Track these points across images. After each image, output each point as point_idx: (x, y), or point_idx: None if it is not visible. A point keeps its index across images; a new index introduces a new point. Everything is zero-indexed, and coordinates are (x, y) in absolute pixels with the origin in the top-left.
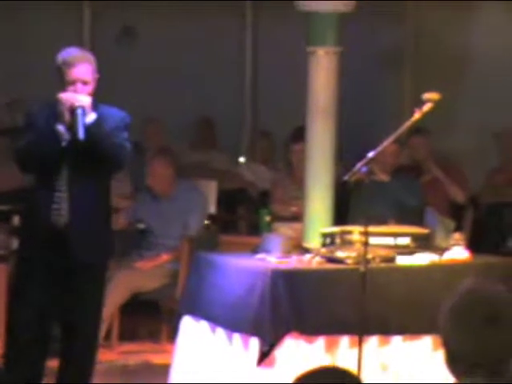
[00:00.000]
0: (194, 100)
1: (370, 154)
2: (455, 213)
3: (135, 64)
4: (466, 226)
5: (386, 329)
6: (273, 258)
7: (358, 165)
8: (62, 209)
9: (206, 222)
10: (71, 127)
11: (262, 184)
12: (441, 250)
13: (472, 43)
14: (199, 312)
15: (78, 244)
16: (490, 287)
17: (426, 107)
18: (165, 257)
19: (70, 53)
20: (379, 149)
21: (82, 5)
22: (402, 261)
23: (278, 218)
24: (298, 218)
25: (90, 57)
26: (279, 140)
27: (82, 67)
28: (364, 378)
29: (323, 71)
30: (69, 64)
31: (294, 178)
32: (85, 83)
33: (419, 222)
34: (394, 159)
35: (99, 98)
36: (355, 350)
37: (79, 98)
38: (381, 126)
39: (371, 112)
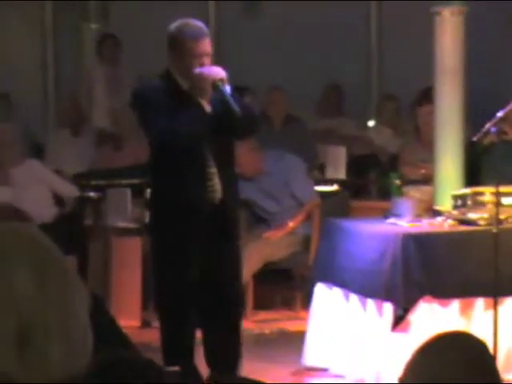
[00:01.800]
0: (322, 67)
1: (499, 114)
2: None
3: (261, 34)
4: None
5: None
6: (404, 222)
7: (488, 125)
8: (215, 184)
9: (337, 187)
10: (211, 101)
11: (391, 148)
12: None
13: None
14: (332, 278)
15: (232, 217)
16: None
17: None
18: (291, 224)
19: (194, 26)
20: (508, 108)
21: None
22: None
23: (408, 182)
24: (427, 180)
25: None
26: (405, 103)
27: (207, 40)
28: (501, 341)
29: (449, 32)
30: (195, 38)
31: (422, 140)
32: (208, 56)
33: None
34: None
35: (228, 67)
36: (490, 313)
37: (218, 71)
38: (509, 85)
39: (499, 71)
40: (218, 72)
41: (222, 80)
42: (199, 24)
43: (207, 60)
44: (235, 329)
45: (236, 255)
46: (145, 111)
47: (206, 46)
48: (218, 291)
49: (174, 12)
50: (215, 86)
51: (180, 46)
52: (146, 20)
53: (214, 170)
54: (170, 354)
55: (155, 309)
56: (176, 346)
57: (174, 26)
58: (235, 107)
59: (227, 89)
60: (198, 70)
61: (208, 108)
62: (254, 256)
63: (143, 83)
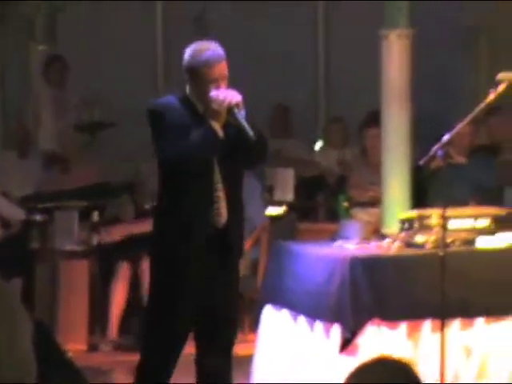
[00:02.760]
0: (270, 89)
1: (445, 137)
2: None
3: None
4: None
5: (468, 311)
6: (351, 245)
7: (434, 148)
8: (221, 207)
9: (285, 209)
10: (225, 125)
11: (338, 170)
12: None
13: None
14: (280, 301)
15: (233, 242)
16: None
17: (501, 88)
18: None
19: (208, 51)
20: (454, 131)
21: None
22: (482, 243)
23: (356, 204)
24: (375, 203)
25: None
26: (353, 125)
27: (222, 63)
28: (448, 362)
29: (396, 55)
30: (212, 63)
31: (370, 162)
32: (224, 79)
33: (498, 202)
34: (470, 140)
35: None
36: (438, 335)
37: (234, 95)
38: (457, 108)
39: (446, 94)
40: (234, 96)
41: (237, 104)
42: (213, 47)
43: (223, 83)
44: (229, 353)
45: (234, 280)
46: (158, 129)
47: (222, 70)
48: (215, 315)
49: (123, 33)
50: (230, 110)
51: (195, 73)
52: (94, 40)
53: (221, 193)
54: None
55: (141, 336)
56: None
57: (188, 51)
58: (250, 133)
59: (242, 114)
60: (214, 93)
61: (221, 132)
62: None
63: (160, 99)
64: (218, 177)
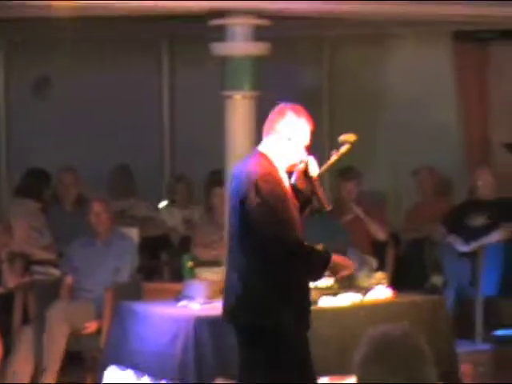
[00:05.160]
0: (114, 147)
1: None
2: (377, 251)
3: (52, 113)
4: (388, 263)
5: None
6: (196, 305)
7: None
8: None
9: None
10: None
11: (183, 229)
12: (364, 290)
13: (387, 82)
14: (125, 361)
15: None
16: (394, 332)
17: (343, 149)
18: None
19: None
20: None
21: None
22: (326, 302)
23: (201, 263)
24: (220, 261)
25: None
26: (198, 184)
27: None
28: None
29: (240, 115)
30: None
31: (215, 221)
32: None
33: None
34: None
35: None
36: None
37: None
38: None
39: None
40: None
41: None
42: None
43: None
44: None
45: None
46: (277, 214)
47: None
48: None
49: None
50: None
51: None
52: None
53: None
54: None
55: None
56: None
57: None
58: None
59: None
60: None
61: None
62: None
63: (266, 169)
64: None
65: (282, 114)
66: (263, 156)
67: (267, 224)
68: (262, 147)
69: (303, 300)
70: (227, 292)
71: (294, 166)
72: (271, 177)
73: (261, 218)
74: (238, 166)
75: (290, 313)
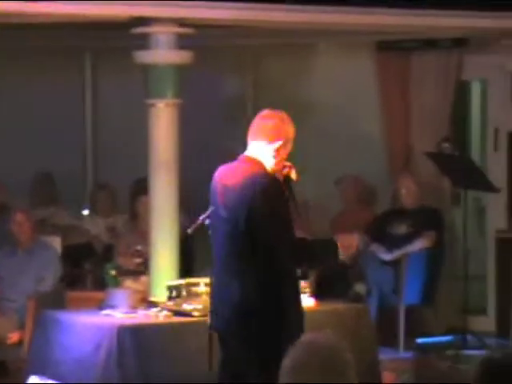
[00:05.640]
0: (35, 155)
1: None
2: None
3: None
4: (311, 272)
5: None
6: (119, 314)
7: (201, 217)
8: None
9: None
10: None
11: (107, 237)
12: None
13: (311, 92)
14: (47, 371)
15: None
16: (319, 340)
17: None
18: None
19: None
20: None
21: None
22: None
23: (124, 272)
24: (143, 271)
25: None
26: (122, 192)
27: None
28: None
29: (163, 123)
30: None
31: (139, 230)
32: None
33: None
34: None
35: None
36: None
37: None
38: None
39: (215, 163)
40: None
41: None
42: None
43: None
44: None
45: None
46: (284, 223)
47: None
48: None
49: None
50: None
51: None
52: None
53: None
54: None
55: None
56: None
57: None
58: None
59: None
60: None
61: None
62: None
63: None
64: None
65: (269, 118)
66: (255, 161)
67: (282, 230)
68: (250, 152)
69: (300, 307)
70: (221, 300)
71: (279, 171)
72: (278, 182)
73: (274, 224)
74: (226, 172)
75: (291, 318)
